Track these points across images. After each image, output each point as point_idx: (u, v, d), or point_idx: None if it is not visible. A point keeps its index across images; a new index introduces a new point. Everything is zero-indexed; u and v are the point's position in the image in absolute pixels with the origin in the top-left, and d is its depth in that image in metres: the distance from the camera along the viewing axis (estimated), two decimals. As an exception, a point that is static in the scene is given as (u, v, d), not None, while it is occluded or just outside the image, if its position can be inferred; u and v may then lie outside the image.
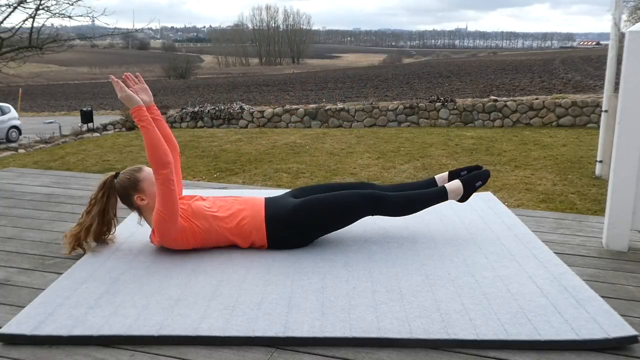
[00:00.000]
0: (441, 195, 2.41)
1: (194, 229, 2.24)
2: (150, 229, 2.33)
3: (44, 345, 1.66)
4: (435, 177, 2.59)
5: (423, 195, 2.42)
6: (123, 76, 2.37)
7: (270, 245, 2.31)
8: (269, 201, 2.36)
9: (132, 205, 2.31)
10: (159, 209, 2.15)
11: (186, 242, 2.25)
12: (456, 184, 2.42)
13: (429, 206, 2.44)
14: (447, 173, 2.55)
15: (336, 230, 2.42)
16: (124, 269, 2.15)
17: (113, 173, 2.35)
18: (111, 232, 2.42)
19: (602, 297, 1.89)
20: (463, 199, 2.43)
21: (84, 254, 2.29)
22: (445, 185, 2.43)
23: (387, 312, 1.78)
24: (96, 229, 2.33)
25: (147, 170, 2.30)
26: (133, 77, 2.40)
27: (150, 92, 2.40)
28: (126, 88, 2.23)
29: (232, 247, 2.36)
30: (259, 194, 2.52)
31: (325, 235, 2.44)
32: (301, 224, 2.30)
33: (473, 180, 2.42)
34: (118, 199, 2.35)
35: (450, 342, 1.63)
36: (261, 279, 2.05)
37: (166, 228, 2.19)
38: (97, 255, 2.29)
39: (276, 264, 2.18)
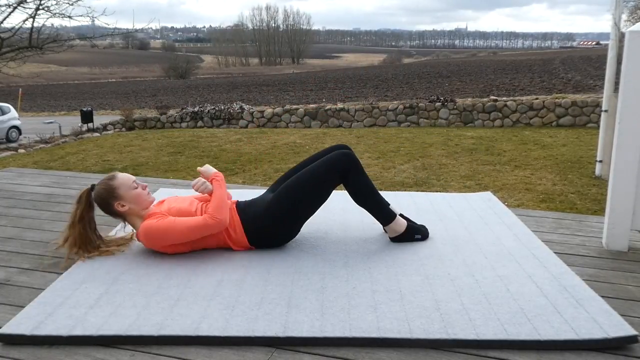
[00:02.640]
0: (389, 216, 2.39)
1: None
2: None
3: (43, 345, 1.66)
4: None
5: (382, 199, 2.41)
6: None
7: (255, 244, 2.32)
8: (239, 204, 2.39)
9: (114, 214, 2.32)
10: (181, 229, 2.18)
11: (176, 248, 2.28)
12: (403, 224, 2.42)
13: (376, 213, 2.41)
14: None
15: (318, 206, 2.38)
16: (124, 269, 2.15)
17: (89, 187, 2.34)
18: (101, 247, 2.34)
19: (602, 296, 1.89)
20: (396, 239, 2.42)
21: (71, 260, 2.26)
22: (398, 216, 2.42)
23: (387, 312, 1.78)
24: (80, 241, 2.28)
25: (121, 176, 2.32)
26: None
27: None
28: (202, 185, 2.37)
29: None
30: (259, 194, 2.53)
31: (325, 236, 2.44)
32: (278, 217, 2.30)
33: (415, 231, 2.44)
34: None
35: (450, 342, 1.63)
36: (261, 279, 2.05)
37: (165, 239, 2.21)
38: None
39: (276, 264, 2.18)
